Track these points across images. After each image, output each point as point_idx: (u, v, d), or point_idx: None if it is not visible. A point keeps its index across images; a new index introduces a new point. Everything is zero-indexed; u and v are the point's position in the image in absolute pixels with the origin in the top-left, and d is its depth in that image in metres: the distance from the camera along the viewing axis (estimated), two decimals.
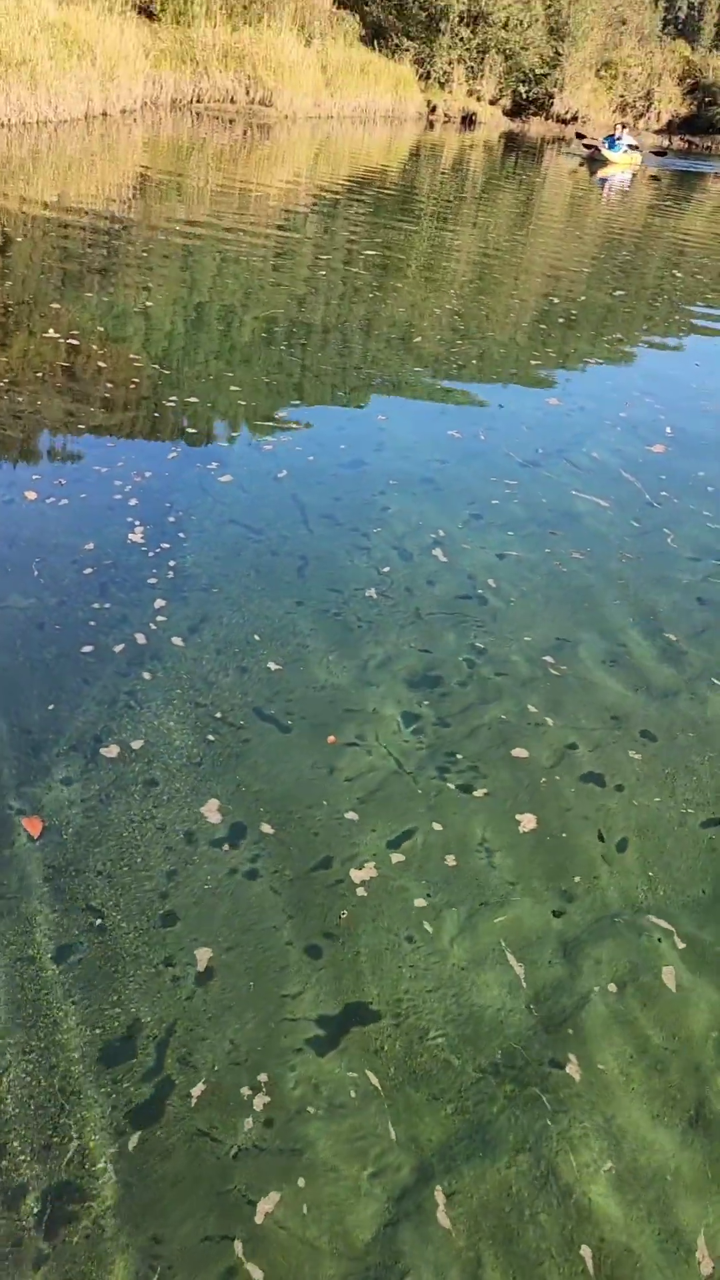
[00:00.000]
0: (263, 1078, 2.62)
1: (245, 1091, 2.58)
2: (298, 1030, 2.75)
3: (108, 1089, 2.54)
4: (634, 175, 28.20)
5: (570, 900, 3.27)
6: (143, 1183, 2.36)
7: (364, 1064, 2.69)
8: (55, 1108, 2.49)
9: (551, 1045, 2.81)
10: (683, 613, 4.96)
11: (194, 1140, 2.46)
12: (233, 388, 7.22)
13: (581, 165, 28.57)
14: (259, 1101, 2.56)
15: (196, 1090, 2.56)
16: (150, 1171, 2.38)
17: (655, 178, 28.64)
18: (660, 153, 34.15)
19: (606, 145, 29.24)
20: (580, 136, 34.30)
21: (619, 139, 29.60)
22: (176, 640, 4.21)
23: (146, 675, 3.98)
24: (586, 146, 31.31)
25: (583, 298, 11.79)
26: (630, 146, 29.84)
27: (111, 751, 3.59)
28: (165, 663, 4.07)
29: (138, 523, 5.11)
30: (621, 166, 29.05)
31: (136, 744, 3.64)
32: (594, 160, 29.35)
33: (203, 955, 2.91)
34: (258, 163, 20.07)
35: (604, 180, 26.33)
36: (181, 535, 5.05)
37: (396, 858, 3.33)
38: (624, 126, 32.58)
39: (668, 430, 7.54)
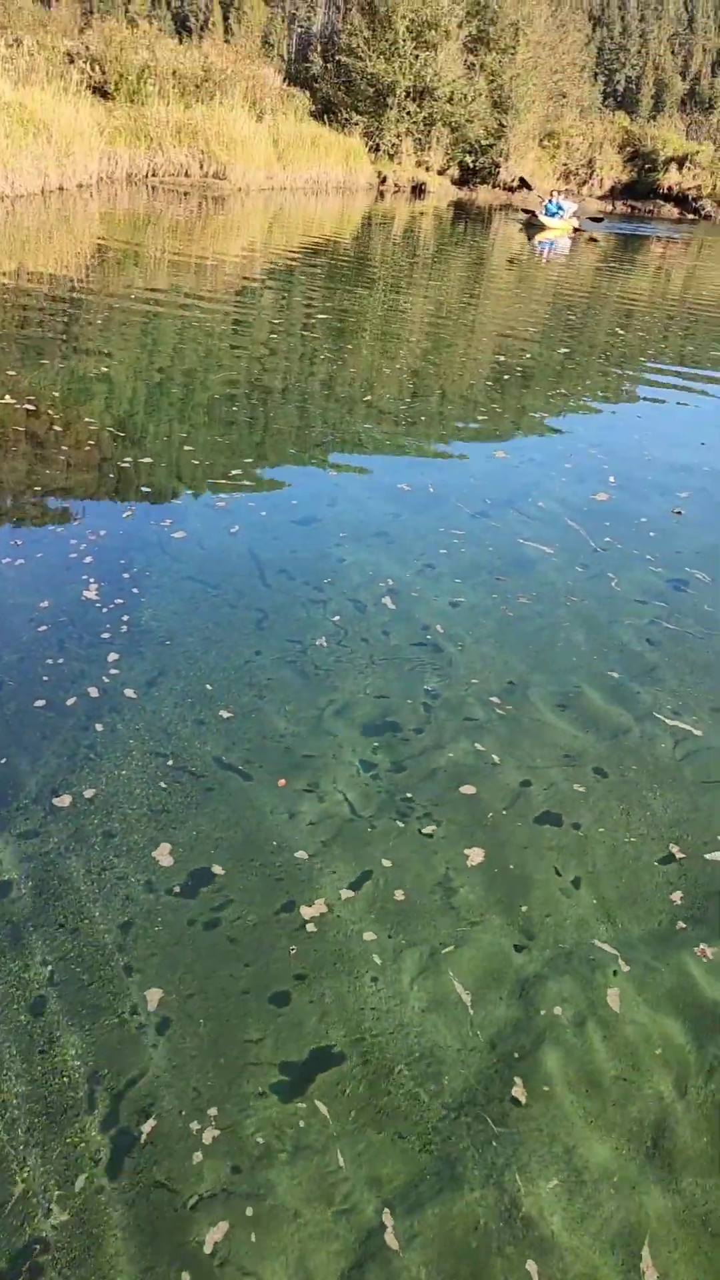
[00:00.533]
0: (224, 1122, 2.62)
1: (205, 1136, 2.57)
2: (261, 1075, 2.76)
3: (70, 1140, 2.53)
4: (571, 240, 29.21)
5: (528, 936, 3.32)
6: (104, 1232, 2.34)
7: (328, 1105, 2.70)
8: (18, 1159, 2.47)
9: (511, 1081, 2.84)
10: (630, 653, 5.09)
11: (155, 1189, 2.45)
12: (187, 448, 7.35)
13: (521, 230, 29.62)
14: (220, 1146, 2.56)
15: (157, 1139, 2.55)
16: (111, 1221, 2.36)
17: (593, 239, 29.69)
18: (597, 219, 35.35)
19: (545, 212, 30.34)
20: (528, 187, 35.87)
21: (561, 206, 30.69)
22: (130, 692, 4.25)
23: (100, 728, 4.01)
24: (525, 212, 32.50)
25: (529, 356, 12.15)
26: (567, 213, 30.93)
27: (68, 803, 3.61)
28: (123, 715, 4.11)
29: (93, 580, 5.17)
30: (559, 232, 30.06)
31: (93, 795, 3.66)
32: (531, 225, 30.45)
33: (165, 1004, 2.91)
34: (213, 234, 20.56)
35: (544, 245, 27.28)
36: (136, 591, 5.12)
37: (356, 901, 3.36)
38: (561, 194, 33.84)
39: (611, 479, 7.76)
